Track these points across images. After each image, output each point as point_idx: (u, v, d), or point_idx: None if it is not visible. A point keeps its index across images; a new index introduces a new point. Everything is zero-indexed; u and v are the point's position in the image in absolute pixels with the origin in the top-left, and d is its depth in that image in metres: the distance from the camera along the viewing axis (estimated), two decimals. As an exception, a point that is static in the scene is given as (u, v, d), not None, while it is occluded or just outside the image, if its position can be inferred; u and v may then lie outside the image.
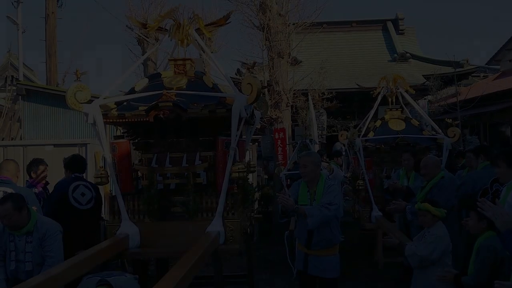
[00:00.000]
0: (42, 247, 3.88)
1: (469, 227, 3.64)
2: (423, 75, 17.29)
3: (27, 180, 5.62)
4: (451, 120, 6.88)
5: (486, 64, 25.00)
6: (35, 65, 29.78)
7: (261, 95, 4.60)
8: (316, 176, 4.38)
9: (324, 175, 4.50)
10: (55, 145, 7.87)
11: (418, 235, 4.22)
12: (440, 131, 6.92)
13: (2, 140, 10.99)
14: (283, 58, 11.63)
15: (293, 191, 4.55)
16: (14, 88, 12.66)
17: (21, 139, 10.42)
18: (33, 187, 5.28)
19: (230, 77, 4.83)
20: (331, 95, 13.87)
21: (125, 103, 4.17)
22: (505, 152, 4.01)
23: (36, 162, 5.48)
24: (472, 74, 20.31)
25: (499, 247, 3.31)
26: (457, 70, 16.17)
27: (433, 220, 4.02)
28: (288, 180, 7.79)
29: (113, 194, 4.17)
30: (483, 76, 24.53)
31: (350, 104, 17.20)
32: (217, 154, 4.06)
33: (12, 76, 16.89)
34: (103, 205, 5.56)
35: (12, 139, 11.22)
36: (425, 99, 16.22)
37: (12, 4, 14.83)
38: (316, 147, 10.57)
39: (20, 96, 10.64)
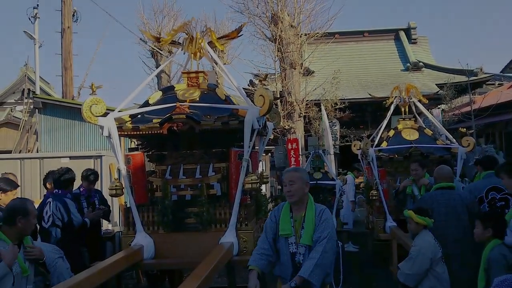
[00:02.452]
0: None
1: (475, 236, 3.66)
2: (436, 84, 17.14)
3: (45, 194, 5.71)
4: (465, 129, 6.82)
5: (500, 72, 24.69)
6: (51, 78, 30.29)
7: (274, 106, 4.61)
8: (304, 197, 3.35)
9: (312, 198, 3.42)
10: (70, 158, 7.98)
11: None
12: (454, 140, 6.87)
13: (19, 152, 11.19)
14: (295, 69, 11.70)
15: (272, 219, 3.41)
16: (31, 101, 12.88)
17: (37, 152, 10.59)
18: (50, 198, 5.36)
19: (243, 88, 4.87)
20: (343, 105, 13.85)
21: (139, 116, 4.24)
22: None
23: (52, 175, 5.57)
24: (487, 83, 20.08)
25: (507, 253, 3.42)
26: (471, 78, 16.00)
27: (417, 227, 4.02)
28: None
29: (128, 205, 4.21)
30: (498, 84, 24.26)
31: (363, 114, 17.15)
32: (230, 166, 4.10)
33: (29, 90, 17.20)
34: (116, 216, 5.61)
35: (29, 151, 11.41)
36: (438, 108, 16.08)
37: (29, 19, 15.15)
38: (330, 158, 10.53)
39: (36, 109, 10.81)
